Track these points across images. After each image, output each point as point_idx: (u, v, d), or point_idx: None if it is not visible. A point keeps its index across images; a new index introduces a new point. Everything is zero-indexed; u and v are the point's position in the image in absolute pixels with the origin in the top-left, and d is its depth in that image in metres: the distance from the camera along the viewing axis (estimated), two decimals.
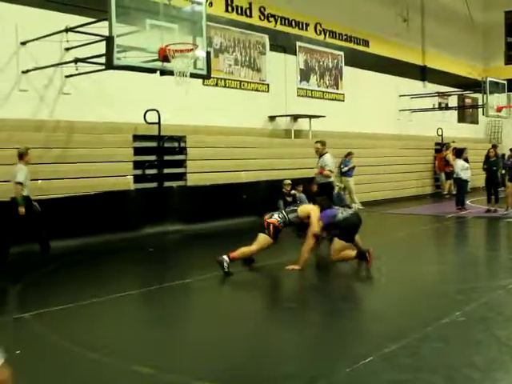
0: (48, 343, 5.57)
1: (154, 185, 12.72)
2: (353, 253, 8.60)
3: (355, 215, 8.90)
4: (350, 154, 17.55)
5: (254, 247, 8.37)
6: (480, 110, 23.66)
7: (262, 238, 8.38)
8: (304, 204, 8.94)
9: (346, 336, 5.67)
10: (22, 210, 9.49)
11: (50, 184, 11.14)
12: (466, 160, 16.30)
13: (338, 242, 8.55)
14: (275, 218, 8.44)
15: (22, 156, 9.77)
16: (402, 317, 6.22)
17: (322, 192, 11.37)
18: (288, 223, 8.50)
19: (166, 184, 13.03)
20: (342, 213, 8.69)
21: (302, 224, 8.60)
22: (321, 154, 12.21)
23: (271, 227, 8.37)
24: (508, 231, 13.82)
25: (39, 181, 10.90)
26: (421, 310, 6.46)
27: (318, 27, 18.84)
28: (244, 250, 8.36)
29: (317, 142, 12.47)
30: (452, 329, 5.60)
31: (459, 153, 16.44)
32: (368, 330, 5.90)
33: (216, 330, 5.94)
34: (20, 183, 9.54)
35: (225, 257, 8.18)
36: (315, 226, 8.43)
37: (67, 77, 11.90)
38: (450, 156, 20.69)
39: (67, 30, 11.07)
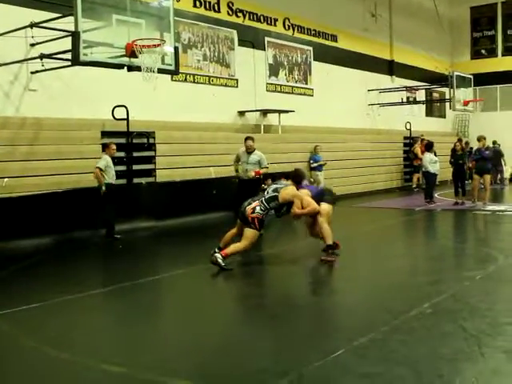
0: (15, 343, 5.50)
1: (123, 181, 12.63)
2: (331, 235, 8.82)
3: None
4: (317, 146, 17.63)
5: (245, 243, 8.32)
6: (447, 104, 23.95)
7: (250, 233, 8.34)
8: (282, 187, 8.83)
9: (316, 330, 5.71)
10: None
11: (18, 181, 11.00)
12: (435, 154, 16.48)
13: (326, 206, 8.88)
14: (258, 212, 8.37)
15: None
16: (371, 310, 6.29)
17: (252, 188, 11.26)
18: (269, 209, 8.53)
19: (136, 180, 12.96)
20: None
21: (282, 206, 8.66)
22: (251, 151, 11.92)
23: (256, 221, 8.34)
24: (475, 223, 14.01)
25: (5, 179, 10.77)
26: (389, 302, 6.53)
27: (287, 22, 18.85)
28: (236, 247, 8.32)
29: (248, 138, 12.04)
30: (420, 321, 5.66)
31: (428, 146, 16.62)
32: (338, 324, 5.97)
33: (187, 326, 5.94)
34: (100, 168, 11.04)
35: (217, 255, 8.16)
36: (298, 206, 8.62)
37: (33, 73, 11.73)
38: (418, 149, 20.91)
39: (32, 25, 10.89)
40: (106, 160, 11.22)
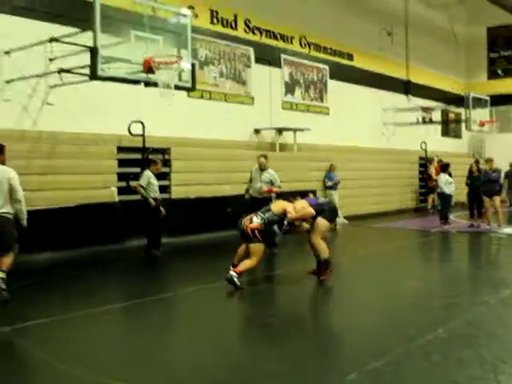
0: (28, 357, 5.50)
1: (138, 197, 12.63)
2: (326, 250, 8.66)
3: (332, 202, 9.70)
4: (332, 166, 17.57)
5: (255, 259, 8.26)
6: (463, 125, 23.84)
7: (256, 248, 8.26)
8: (276, 202, 8.89)
9: (328, 352, 5.65)
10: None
11: (34, 195, 11.01)
12: (450, 175, 16.38)
13: (322, 221, 8.62)
14: (256, 221, 8.31)
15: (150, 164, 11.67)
16: (384, 332, 6.21)
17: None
18: (268, 223, 8.40)
19: None
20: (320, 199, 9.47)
21: (282, 220, 8.57)
22: (264, 169, 11.88)
23: (256, 233, 8.25)
24: (490, 246, 13.86)
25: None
26: (404, 325, 6.45)
27: (303, 40, 18.92)
28: (248, 264, 8.24)
29: (262, 155, 12.03)
30: (435, 346, 5.58)
31: (444, 167, 16.50)
32: (350, 346, 5.88)
33: (198, 346, 5.88)
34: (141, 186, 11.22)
35: (232, 273, 8.09)
36: (291, 212, 8.48)
37: (51, 87, 11.83)
38: (432, 170, 20.81)
39: (51, 40, 10.99)
40: (147, 176, 11.32)
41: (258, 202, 11.39)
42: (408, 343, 5.57)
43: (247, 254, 8.39)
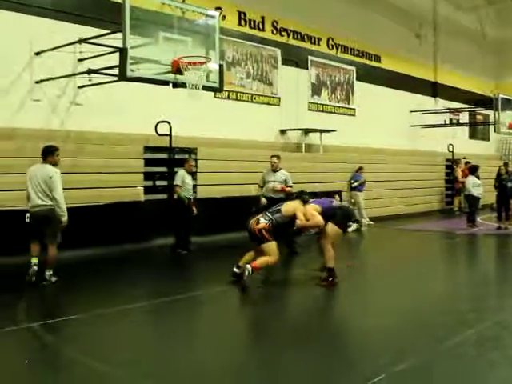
0: (56, 354, 5.55)
1: (164, 196, 12.71)
2: (332, 259, 8.54)
3: (347, 206, 9.43)
4: (361, 168, 17.49)
5: (272, 258, 8.29)
6: (491, 127, 23.57)
7: (269, 247, 8.26)
8: (289, 202, 8.84)
9: (355, 354, 5.61)
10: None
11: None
12: (478, 177, 16.21)
13: (332, 228, 8.50)
14: (262, 221, 8.33)
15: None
16: (413, 334, 6.15)
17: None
18: (276, 224, 8.37)
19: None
20: (334, 201, 9.04)
21: (292, 221, 8.51)
22: (276, 169, 11.92)
23: (264, 232, 8.24)
24: None
25: None
26: (433, 327, 6.39)
27: (331, 42, 18.87)
28: (265, 260, 8.26)
29: (274, 156, 12.07)
30: (465, 348, 5.53)
31: (472, 169, 16.32)
32: (378, 348, 5.78)
33: (224, 347, 5.88)
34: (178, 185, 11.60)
35: (248, 267, 8.14)
36: (300, 218, 8.39)
37: (80, 87, 11.96)
38: (458, 172, 20.63)
39: (81, 40, 11.10)
40: (181, 175, 11.70)
41: (274, 202, 11.34)
42: (437, 345, 5.52)
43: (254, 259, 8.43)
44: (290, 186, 11.84)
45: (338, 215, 8.60)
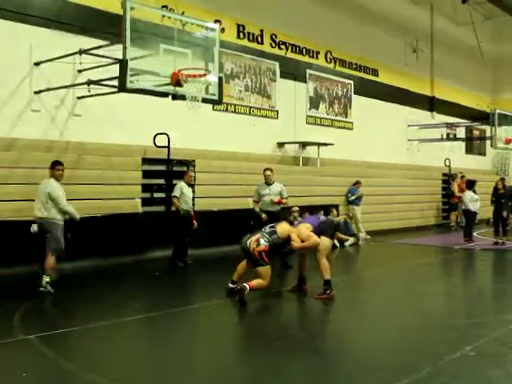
0: (53, 366, 5.50)
1: (161, 208, 12.69)
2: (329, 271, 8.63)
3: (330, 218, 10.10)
4: (358, 182, 17.52)
5: (266, 281, 8.28)
6: (488, 142, 23.62)
7: (266, 271, 8.29)
8: (278, 224, 8.95)
9: (356, 369, 5.57)
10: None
11: None
12: (475, 192, 16.23)
13: (325, 241, 8.64)
14: (263, 243, 8.32)
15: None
16: (412, 350, 6.12)
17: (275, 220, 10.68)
18: (273, 246, 8.41)
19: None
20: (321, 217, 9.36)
21: (285, 243, 8.64)
22: (270, 182, 11.93)
23: (264, 255, 8.28)
24: None
25: None
26: (431, 343, 6.36)
27: (329, 55, 18.94)
28: (260, 283, 8.24)
29: (267, 169, 12.10)
30: (464, 364, 5.52)
31: (470, 184, 16.34)
32: (378, 364, 5.75)
33: (221, 359, 5.86)
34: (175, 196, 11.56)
35: (246, 285, 8.07)
36: (295, 240, 8.51)
37: (79, 98, 11.96)
38: (455, 187, 20.66)
39: (81, 51, 11.11)
40: (179, 187, 11.64)
41: (272, 216, 11.33)
42: (437, 361, 5.50)
43: (247, 271, 8.51)
44: (286, 198, 11.87)
45: (327, 228, 8.82)
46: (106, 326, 6.88)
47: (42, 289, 8.49)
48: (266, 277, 8.28)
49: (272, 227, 8.73)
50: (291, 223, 9.21)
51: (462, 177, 20.85)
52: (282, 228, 8.69)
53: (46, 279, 8.58)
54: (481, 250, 15.04)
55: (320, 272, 8.64)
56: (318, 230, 8.66)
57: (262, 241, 8.36)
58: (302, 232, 8.64)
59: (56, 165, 9.15)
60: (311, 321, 7.98)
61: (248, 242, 8.41)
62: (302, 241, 8.57)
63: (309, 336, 6.83)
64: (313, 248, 8.68)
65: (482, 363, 5.58)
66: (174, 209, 11.69)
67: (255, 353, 6.09)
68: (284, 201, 11.80)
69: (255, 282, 8.21)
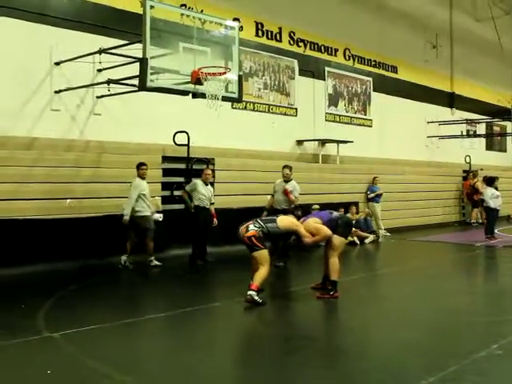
0: (78, 364, 5.51)
1: (181, 206, 12.70)
2: (338, 272, 8.47)
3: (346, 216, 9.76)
4: (375, 178, 17.43)
5: (264, 267, 7.95)
6: (509, 138, 23.42)
7: (261, 254, 7.94)
8: (286, 217, 8.73)
9: (382, 367, 5.51)
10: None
11: (81, 203, 11.19)
12: (496, 188, 16.08)
13: (338, 239, 8.47)
14: (252, 228, 8.03)
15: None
16: (436, 348, 6.05)
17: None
18: (267, 233, 8.08)
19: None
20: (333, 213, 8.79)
21: (287, 234, 8.42)
22: (288, 180, 11.97)
23: (254, 240, 7.94)
24: None
25: (68, 200, 10.98)
26: (456, 341, 6.32)
27: (347, 53, 18.85)
28: (260, 275, 7.93)
29: (286, 166, 12.16)
30: (490, 362, 5.45)
31: (490, 181, 16.19)
32: (404, 362, 5.69)
33: (243, 358, 5.85)
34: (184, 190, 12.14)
35: (251, 292, 7.80)
36: (305, 235, 8.23)
37: (98, 97, 12.00)
38: (478, 184, 20.46)
39: (101, 51, 11.14)
40: (193, 183, 11.85)
41: (285, 213, 11.25)
42: (462, 359, 5.44)
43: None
44: (296, 197, 11.84)
45: (341, 226, 8.55)
46: (130, 323, 6.89)
47: (153, 264, 11.02)
48: (263, 261, 7.95)
49: (273, 216, 8.61)
50: (298, 218, 8.91)
51: (474, 175, 20.83)
52: (284, 219, 8.44)
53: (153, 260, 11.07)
54: (503, 246, 14.89)
55: (328, 270, 8.56)
56: (330, 226, 8.39)
57: (251, 226, 8.07)
58: (309, 225, 8.37)
59: (140, 165, 11.11)
60: (331, 319, 7.94)
61: (240, 230, 8.14)
62: (312, 235, 8.31)
63: (323, 338, 6.76)
64: (324, 240, 8.54)
65: (508, 361, 5.51)
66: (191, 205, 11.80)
67: (277, 352, 6.06)
68: (292, 197, 11.76)
69: (256, 280, 7.90)
